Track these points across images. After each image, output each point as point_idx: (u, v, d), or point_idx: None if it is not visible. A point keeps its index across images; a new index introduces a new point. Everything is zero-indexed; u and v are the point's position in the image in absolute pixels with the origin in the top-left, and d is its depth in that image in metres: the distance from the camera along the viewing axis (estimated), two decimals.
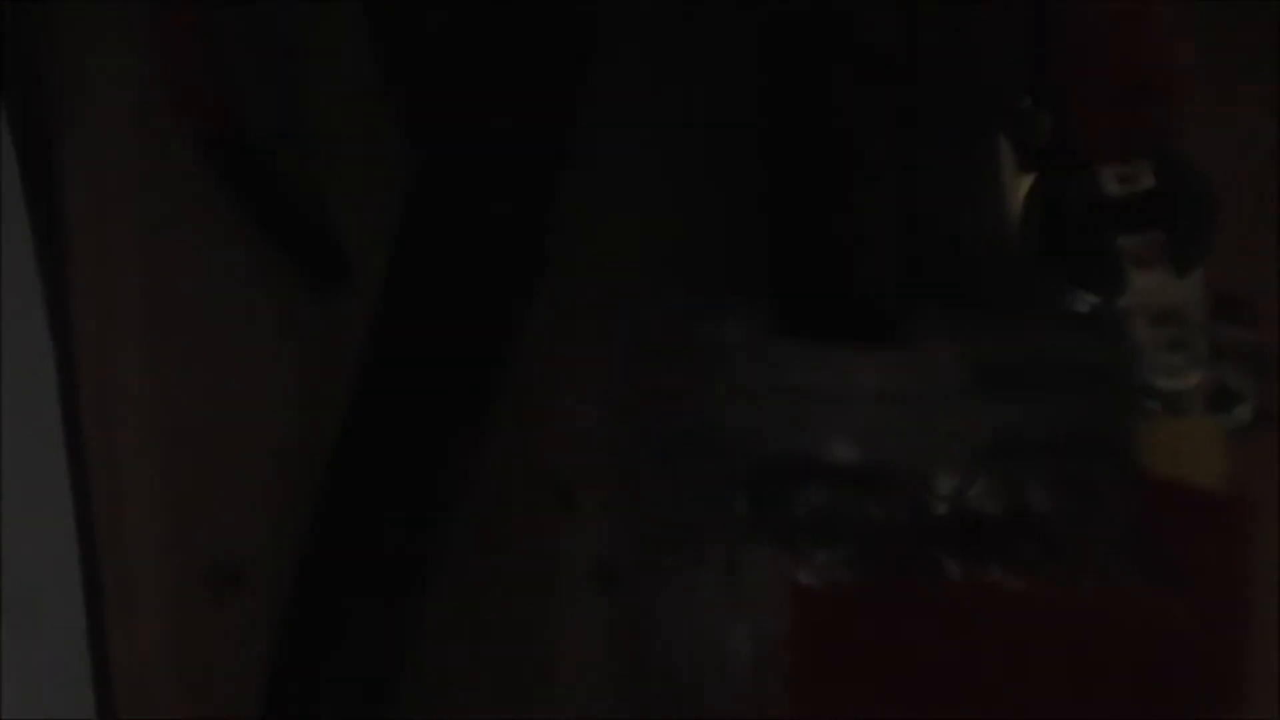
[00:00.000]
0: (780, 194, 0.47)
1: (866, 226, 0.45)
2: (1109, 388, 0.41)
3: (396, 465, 0.52)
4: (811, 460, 0.43)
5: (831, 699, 0.43)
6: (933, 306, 0.45)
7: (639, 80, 0.54)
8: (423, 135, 0.52)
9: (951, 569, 0.43)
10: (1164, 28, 0.42)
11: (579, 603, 0.57)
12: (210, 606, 0.59)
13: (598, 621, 0.57)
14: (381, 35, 0.53)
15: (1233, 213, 0.46)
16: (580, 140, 0.51)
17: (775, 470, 0.44)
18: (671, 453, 0.48)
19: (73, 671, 0.61)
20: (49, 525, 0.60)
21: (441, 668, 0.56)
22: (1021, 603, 0.42)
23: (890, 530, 0.43)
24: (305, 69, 0.56)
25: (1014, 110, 0.43)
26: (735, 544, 0.46)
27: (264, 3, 0.55)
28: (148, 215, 0.57)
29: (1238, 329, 0.44)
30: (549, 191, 0.52)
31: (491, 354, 0.52)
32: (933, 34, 0.44)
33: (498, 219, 0.51)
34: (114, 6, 0.56)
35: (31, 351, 0.59)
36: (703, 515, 0.47)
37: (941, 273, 0.46)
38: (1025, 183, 0.43)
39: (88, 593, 0.60)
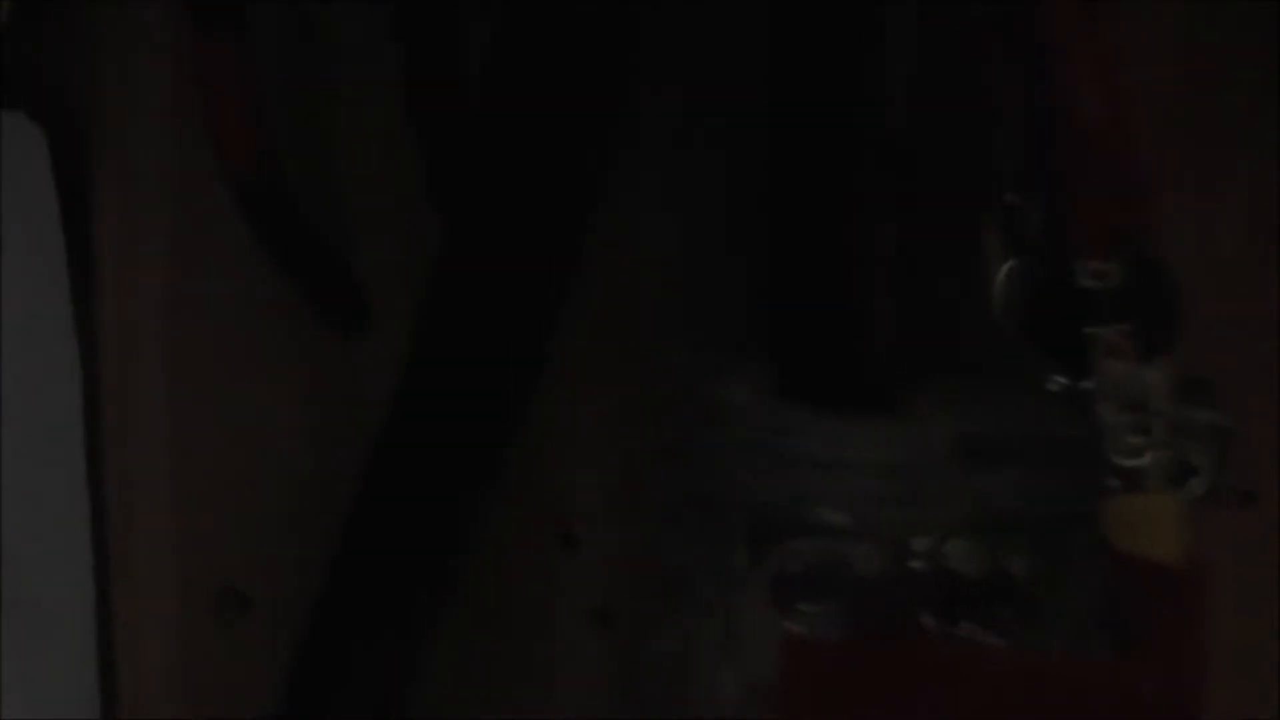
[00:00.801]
0: (788, 266, 0.51)
1: (868, 302, 0.50)
2: (1084, 463, 0.46)
3: (414, 507, 0.55)
4: (804, 519, 0.47)
5: None
6: (924, 380, 0.50)
7: (660, 146, 0.57)
8: (449, 196, 0.56)
9: (931, 627, 0.47)
10: (1143, 140, 0.46)
11: (577, 640, 0.61)
12: (217, 630, 0.62)
13: (595, 658, 0.61)
14: (414, 92, 0.57)
15: (1200, 299, 0.50)
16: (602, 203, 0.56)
17: (770, 526, 0.48)
18: (675, 504, 0.52)
19: (82, 691, 0.66)
20: (65, 548, 0.65)
21: (445, 699, 0.59)
22: (994, 662, 0.47)
23: (875, 588, 0.47)
24: (337, 118, 0.60)
25: (1003, 203, 0.48)
26: (731, 594, 0.50)
27: (299, 50, 0.59)
28: (176, 250, 0.61)
29: (1199, 408, 0.49)
30: (570, 249, 0.55)
31: (508, 407, 0.55)
32: (935, 130, 0.49)
33: (519, 281, 0.54)
34: (154, 47, 0.59)
35: (57, 380, 0.65)
36: (701, 565, 0.51)
37: (934, 349, 0.50)
38: (1006, 268, 0.48)
39: (99, 614, 0.64)
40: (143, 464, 0.62)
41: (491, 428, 0.56)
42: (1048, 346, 0.47)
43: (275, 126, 0.57)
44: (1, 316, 0.66)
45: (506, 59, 0.54)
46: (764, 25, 0.52)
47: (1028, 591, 0.47)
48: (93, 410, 0.63)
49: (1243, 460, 0.51)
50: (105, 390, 0.63)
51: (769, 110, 0.52)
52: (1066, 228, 0.46)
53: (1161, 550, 0.45)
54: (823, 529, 0.47)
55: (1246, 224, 0.55)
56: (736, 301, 0.56)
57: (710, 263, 0.59)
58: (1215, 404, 0.49)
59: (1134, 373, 0.45)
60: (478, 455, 0.56)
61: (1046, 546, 0.47)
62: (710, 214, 0.58)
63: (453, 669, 0.59)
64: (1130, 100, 0.47)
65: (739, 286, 0.55)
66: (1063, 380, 0.46)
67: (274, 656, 0.57)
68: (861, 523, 0.47)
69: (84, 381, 0.63)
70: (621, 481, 0.61)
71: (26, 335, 0.66)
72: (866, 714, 0.47)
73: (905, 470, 0.47)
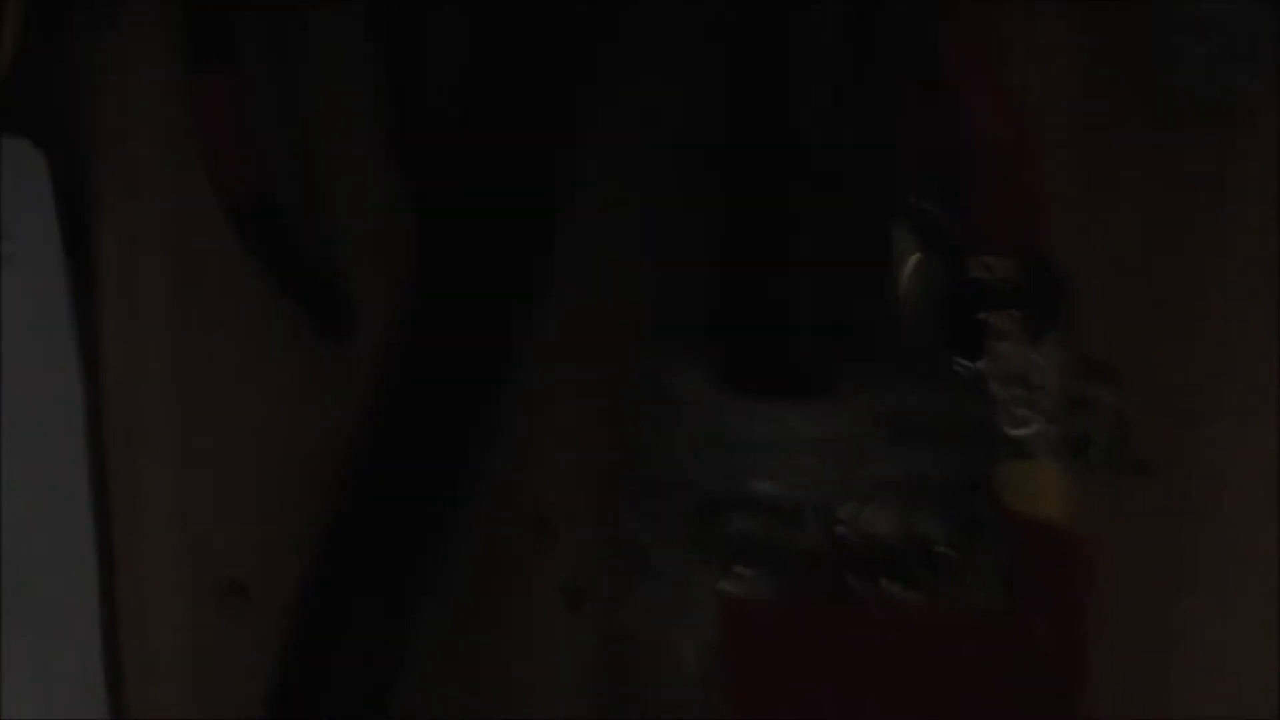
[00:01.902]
0: (728, 274, 0.57)
1: (796, 302, 0.56)
2: (986, 436, 0.53)
3: (395, 499, 0.61)
4: (743, 494, 0.55)
5: (756, 692, 0.55)
6: (846, 368, 0.57)
7: (622, 170, 0.63)
8: (427, 202, 0.61)
9: (856, 587, 0.55)
10: (1036, 157, 0.54)
11: (553, 617, 0.67)
12: (217, 617, 0.68)
13: (570, 634, 0.67)
14: (393, 117, 0.62)
15: (1105, 290, 0.60)
16: (567, 217, 0.61)
17: (714, 501, 0.55)
18: (635, 486, 0.59)
19: (88, 688, 0.69)
20: (69, 548, 0.68)
21: (432, 673, 0.65)
22: (910, 615, 0.54)
23: (806, 554, 0.55)
24: (320, 141, 0.65)
25: (910, 207, 0.56)
26: (682, 564, 0.57)
27: (285, 78, 0.64)
28: (175, 263, 0.66)
29: (1096, 387, 0.58)
30: (540, 255, 0.60)
31: (484, 404, 0.61)
32: (852, 143, 0.56)
33: (496, 284, 0.60)
34: (151, 74, 0.64)
35: (62, 384, 0.67)
36: (657, 539, 0.58)
37: (854, 340, 0.57)
38: (912, 263, 0.55)
39: (104, 604, 0.69)
40: (147, 465, 0.68)
41: (469, 423, 0.61)
42: (950, 333, 0.54)
43: (265, 149, 0.62)
44: (5, 328, 0.66)
45: (477, 87, 0.59)
46: (708, 64, 0.58)
47: (939, 552, 0.55)
48: (95, 416, 0.67)
49: (1144, 433, 0.61)
50: (110, 396, 0.67)
51: (711, 138, 0.58)
52: (965, 230, 0.54)
53: (1046, 511, 0.53)
54: (759, 501, 0.54)
55: (1140, 223, 0.61)
56: (692, 308, 0.60)
57: (668, 275, 0.64)
58: (1113, 384, 0.59)
59: (1022, 353, 0.53)
60: (457, 449, 0.61)
61: (955, 511, 0.55)
62: (667, 233, 0.63)
63: (439, 646, 0.65)
64: (1023, 120, 0.54)
65: (693, 295, 0.60)
66: (964, 362, 0.54)
67: (271, 640, 0.62)
68: (793, 494, 0.54)
69: (86, 388, 0.67)
70: (593, 473, 0.66)
71: (30, 345, 0.67)
72: (798, 665, 0.54)
73: (830, 447, 0.55)
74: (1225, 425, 0.62)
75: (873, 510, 0.55)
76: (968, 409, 0.55)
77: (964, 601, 0.55)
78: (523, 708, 0.68)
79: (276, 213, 0.63)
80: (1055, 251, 0.55)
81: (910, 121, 0.55)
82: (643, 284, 0.65)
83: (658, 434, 0.58)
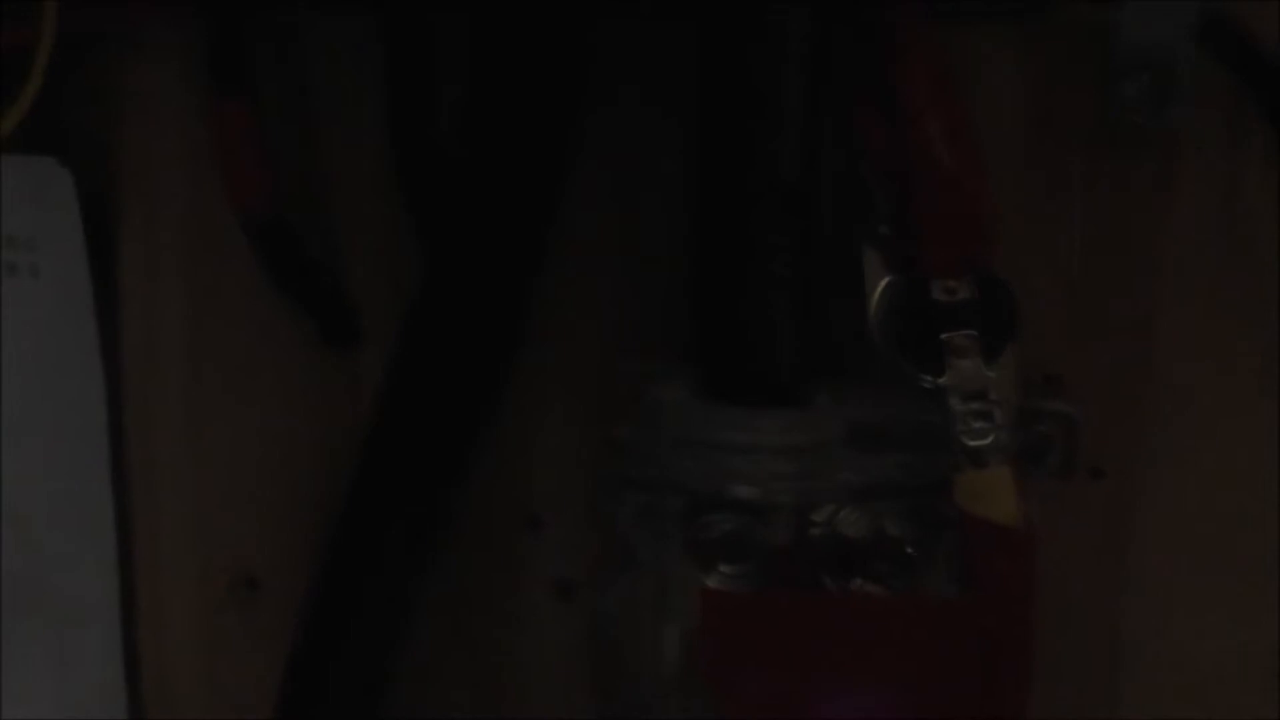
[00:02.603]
0: (710, 291, 0.60)
1: (772, 316, 0.59)
2: (947, 445, 0.57)
3: (397, 495, 0.63)
4: (724, 496, 0.58)
5: (734, 681, 0.58)
6: (820, 380, 0.60)
7: (613, 193, 0.66)
8: (428, 224, 0.64)
9: (826, 581, 0.58)
10: (987, 182, 0.58)
11: (543, 609, 0.69)
12: (230, 610, 0.70)
13: (558, 624, 0.69)
14: (398, 142, 0.64)
15: (1055, 307, 0.63)
16: (560, 238, 0.63)
17: (696, 503, 0.58)
18: (619, 488, 0.62)
19: (108, 669, 0.70)
20: (91, 543, 0.70)
21: (427, 662, 0.67)
22: (878, 608, 0.58)
23: (782, 551, 0.58)
24: (332, 164, 0.67)
25: (877, 234, 0.59)
26: (665, 560, 0.60)
27: (299, 104, 0.66)
28: (192, 273, 0.68)
29: (1048, 399, 0.60)
30: (533, 270, 0.62)
31: (479, 408, 0.63)
32: (823, 177, 0.59)
33: (491, 296, 0.62)
34: (171, 98, 0.66)
35: (85, 386, 0.69)
36: (642, 537, 0.61)
37: (827, 354, 0.60)
38: (881, 287, 0.58)
39: (123, 598, 0.70)
40: (163, 464, 0.69)
41: (466, 424, 0.62)
42: (914, 350, 0.58)
43: (279, 171, 0.64)
44: (32, 334, 0.68)
45: (476, 115, 0.62)
46: (689, 99, 0.60)
47: (904, 550, 0.59)
48: (115, 416, 0.68)
49: (1092, 441, 0.63)
50: (128, 398, 0.69)
51: (694, 166, 0.60)
52: (926, 255, 0.57)
53: (998, 514, 0.56)
54: (737, 503, 0.58)
55: (1086, 245, 0.64)
56: (675, 320, 0.63)
57: (654, 289, 0.66)
58: (1063, 395, 0.61)
59: (978, 369, 0.56)
60: (454, 448, 0.62)
61: (919, 512, 0.58)
62: (653, 249, 0.66)
63: (433, 636, 0.67)
64: (975, 148, 0.57)
65: (677, 308, 0.63)
66: (927, 378, 0.57)
67: (282, 631, 0.64)
68: (769, 497, 0.58)
69: (107, 390, 0.68)
70: (581, 472, 0.68)
71: (55, 350, 0.68)
72: (773, 655, 0.58)
73: (805, 453, 0.58)
74: (1168, 431, 0.65)
75: (845, 512, 0.58)
76: (931, 419, 0.58)
77: (926, 593, 0.59)
78: (514, 696, 0.70)
79: (289, 231, 0.65)
80: (1006, 272, 0.58)
81: (870, 149, 0.58)
82: (630, 297, 0.67)
83: (643, 437, 0.61)
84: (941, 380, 0.58)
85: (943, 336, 0.57)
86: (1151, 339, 0.65)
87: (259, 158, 0.64)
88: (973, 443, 0.57)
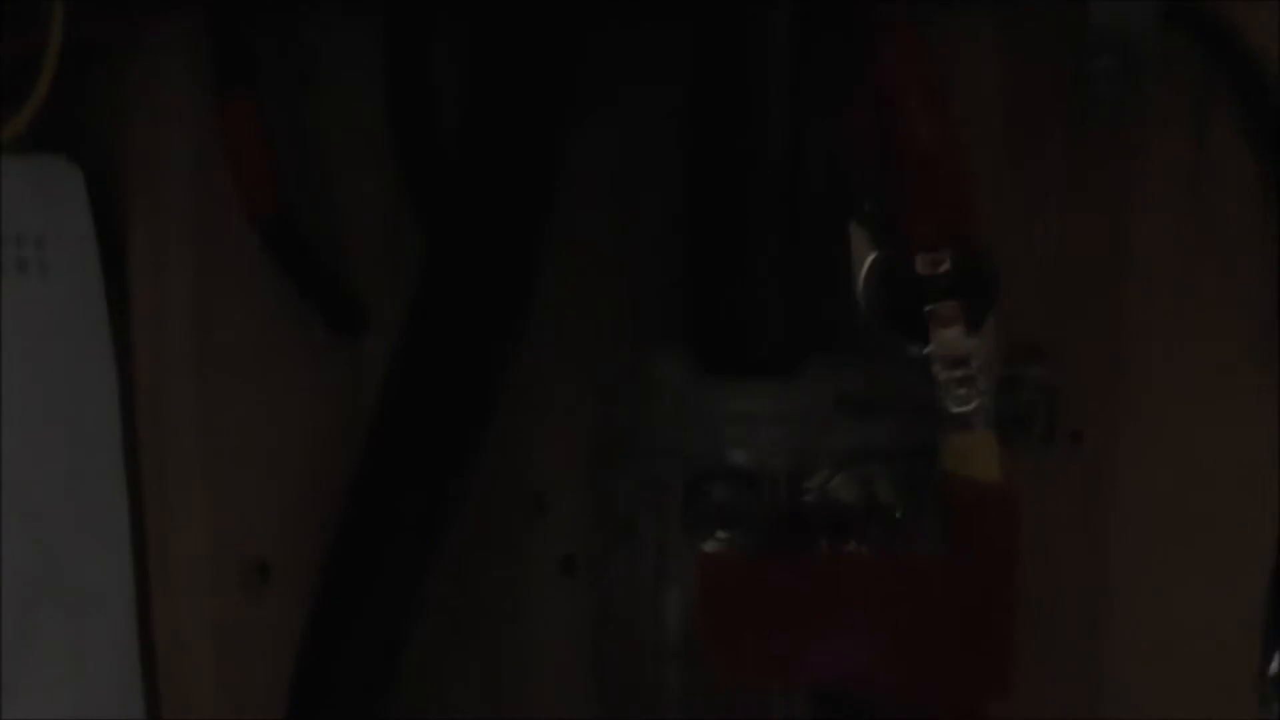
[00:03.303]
0: (704, 268, 0.63)
1: (764, 292, 0.62)
2: (933, 412, 0.59)
3: (404, 481, 0.65)
4: (721, 464, 0.60)
5: (732, 642, 0.60)
6: (811, 351, 0.62)
7: (612, 182, 0.68)
8: (430, 218, 0.66)
9: (820, 544, 0.61)
10: (965, 159, 0.60)
11: (549, 585, 0.71)
12: (242, 598, 0.71)
13: (564, 599, 0.71)
14: (400, 136, 0.66)
15: (1033, 279, 0.65)
16: (560, 223, 0.65)
17: (694, 471, 0.61)
18: (620, 461, 0.64)
19: (123, 656, 0.71)
20: (107, 530, 0.70)
21: (437, 636, 0.69)
22: (870, 568, 0.60)
23: (778, 516, 0.60)
24: (335, 159, 0.68)
25: (863, 209, 0.61)
26: (665, 530, 0.62)
27: (303, 102, 0.67)
28: (200, 270, 0.69)
29: (1029, 366, 0.62)
30: (532, 260, 0.64)
31: (484, 392, 0.64)
32: (810, 157, 0.61)
33: (491, 285, 0.64)
34: (179, 97, 0.67)
35: (98, 378, 0.69)
36: (644, 507, 0.63)
37: (818, 327, 0.63)
38: (868, 262, 0.61)
39: (138, 586, 0.71)
40: (175, 454, 0.70)
41: (470, 408, 0.64)
42: (900, 322, 0.60)
43: (285, 167, 0.65)
44: (46, 328, 0.68)
45: (475, 110, 0.64)
46: (681, 89, 0.63)
47: (894, 513, 0.61)
48: (128, 407, 0.69)
49: (1072, 406, 0.65)
50: (140, 391, 0.69)
51: (688, 153, 0.63)
52: (908, 228, 0.59)
53: (982, 474, 0.59)
54: (733, 470, 0.60)
55: (1062, 220, 0.66)
56: (672, 301, 0.65)
57: (651, 270, 0.68)
58: (1043, 363, 0.63)
59: (960, 338, 0.59)
60: (459, 430, 0.64)
61: (907, 477, 0.61)
62: (651, 234, 0.68)
63: (443, 612, 0.68)
64: (953, 127, 0.59)
65: (673, 289, 0.65)
66: (913, 347, 0.60)
67: (292, 617, 0.65)
68: (764, 464, 0.60)
69: (120, 381, 0.69)
70: (582, 449, 0.70)
71: (69, 344, 0.69)
72: (770, 617, 0.60)
73: (796, 420, 0.60)
74: (1144, 395, 0.67)
75: (837, 478, 0.61)
76: (918, 387, 0.60)
77: (914, 554, 0.61)
78: (519, 669, 0.71)
79: (296, 226, 0.66)
80: (987, 247, 0.60)
81: (855, 131, 0.61)
82: (629, 280, 0.69)
83: (641, 411, 0.63)
84: (927, 349, 0.60)
85: (926, 308, 0.60)
86: (1125, 308, 0.67)
87: (265, 155, 0.65)
88: (957, 408, 0.59)
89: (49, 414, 0.70)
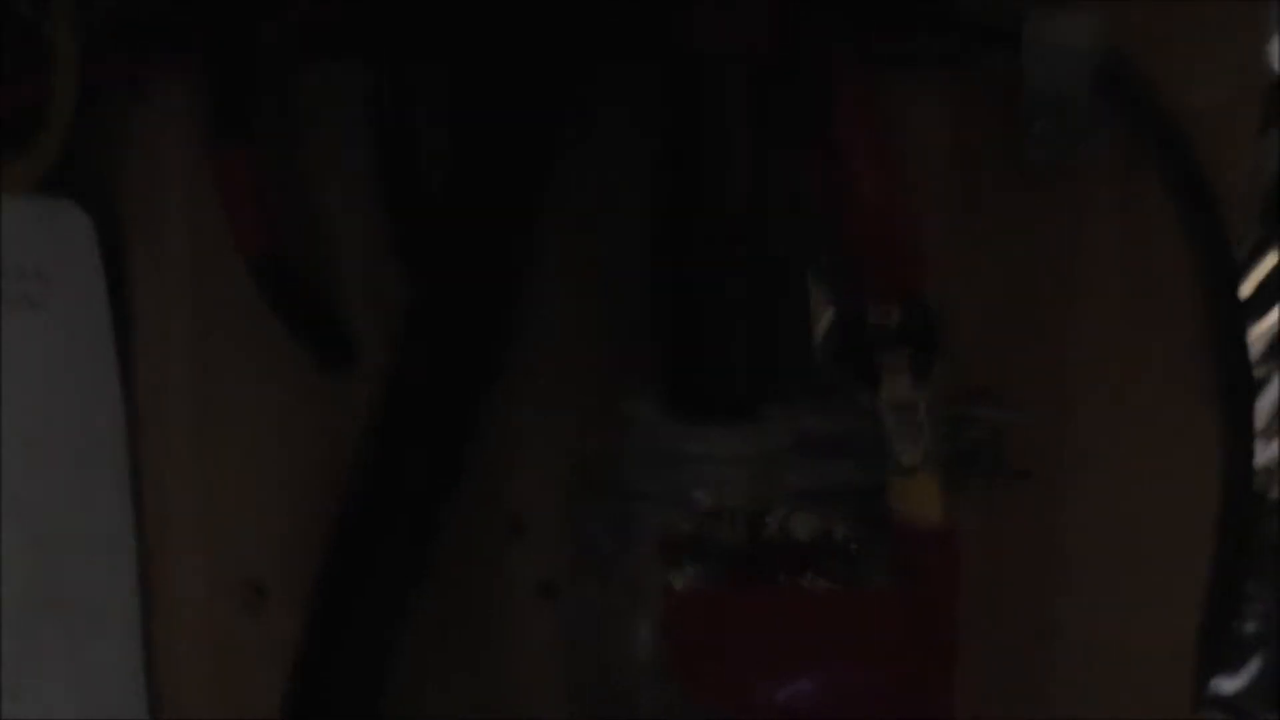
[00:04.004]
0: (672, 313, 0.65)
1: (729, 336, 0.64)
2: (884, 454, 0.62)
3: (391, 506, 0.66)
4: (686, 502, 0.63)
5: (700, 673, 0.62)
6: (772, 394, 0.65)
7: (585, 227, 0.70)
8: (415, 259, 0.67)
9: (779, 578, 0.63)
10: (915, 215, 0.63)
11: (526, 609, 0.72)
12: (240, 616, 0.73)
13: (541, 624, 0.72)
14: (388, 179, 0.67)
15: (981, 325, 0.68)
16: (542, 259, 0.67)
17: (661, 508, 0.63)
18: (592, 496, 0.66)
19: (127, 675, 0.73)
20: (111, 547, 0.73)
21: (416, 661, 0.69)
22: (825, 601, 0.63)
23: (739, 552, 0.63)
24: (326, 201, 0.70)
25: (820, 265, 0.65)
26: (634, 564, 0.65)
27: (292, 144, 0.69)
28: (198, 308, 0.71)
29: (980, 408, 0.66)
30: (512, 300, 0.66)
31: (465, 421, 0.66)
32: (772, 210, 0.63)
33: (474, 321, 0.66)
34: (176, 141, 0.69)
35: (105, 410, 0.72)
36: (614, 540, 0.65)
37: (779, 369, 0.65)
38: (826, 313, 0.64)
39: (142, 605, 0.73)
40: (175, 480, 0.73)
41: (452, 437, 0.66)
42: (854, 368, 0.63)
43: (278, 210, 0.67)
44: (54, 360, 0.71)
45: (458, 155, 0.66)
46: (649, 145, 0.65)
47: (849, 548, 0.64)
48: (131, 437, 0.72)
49: (1020, 446, 0.68)
50: (142, 422, 0.72)
51: (656, 201, 0.65)
52: (861, 281, 0.62)
53: (924, 516, 0.62)
54: (698, 507, 0.63)
55: (1008, 270, 0.68)
56: (643, 340, 0.67)
57: (630, 308, 0.70)
58: (990, 404, 0.66)
59: (908, 387, 0.62)
60: (441, 459, 0.66)
61: (862, 514, 0.64)
62: (623, 272, 0.70)
63: (422, 636, 0.69)
64: (904, 183, 0.62)
65: (645, 329, 0.67)
66: (865, 395, 0.63)
67: (289, 635, 0.67)
68: (725, 502, 0.63)
69: (127, 416, 0.72)
70: (561, 477, 0.71)
71: (76, 374, 0.71)
72: (733, 647, 0.62)
73: (756, 462, 0.63)
74: (1088, 433, 0.69)
75: (795, 515, 0.63)
76: (869, 431, 0.64)
77: (865, 587, 0.64)
78: (498, 694, 0.73)
79: (288, 268, 0.68)
80: (936, 295, 0.63)
81: (813, 186, 0.64)
82: (608, 316, 0.71)
83: (612, 450, 0.65)
84: (877, 397, 0.63)
85: (877, 357, 0.63)
86: (1069, 351, 0.69)
87: (259, 200, 0.67)
88: (903, 453, 0.62)
89: (55, 440, 0.73)
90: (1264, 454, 1.15)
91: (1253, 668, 1.19)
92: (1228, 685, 1.19)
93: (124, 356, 0.72)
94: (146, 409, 0.73)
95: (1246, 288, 1.07)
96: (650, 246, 0.66)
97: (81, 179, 0.70)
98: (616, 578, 0.65)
